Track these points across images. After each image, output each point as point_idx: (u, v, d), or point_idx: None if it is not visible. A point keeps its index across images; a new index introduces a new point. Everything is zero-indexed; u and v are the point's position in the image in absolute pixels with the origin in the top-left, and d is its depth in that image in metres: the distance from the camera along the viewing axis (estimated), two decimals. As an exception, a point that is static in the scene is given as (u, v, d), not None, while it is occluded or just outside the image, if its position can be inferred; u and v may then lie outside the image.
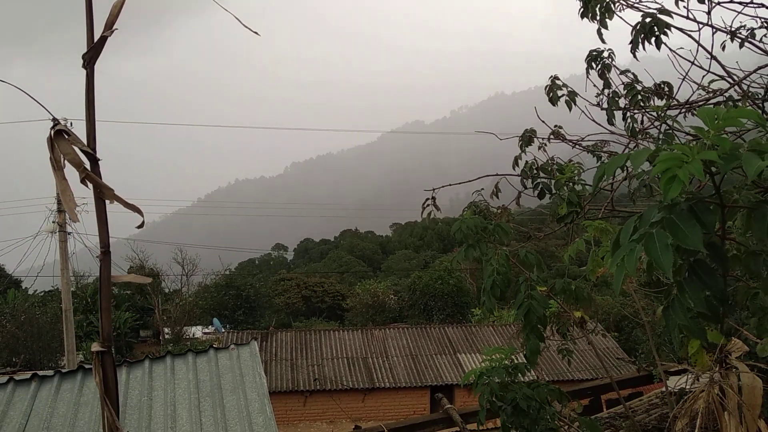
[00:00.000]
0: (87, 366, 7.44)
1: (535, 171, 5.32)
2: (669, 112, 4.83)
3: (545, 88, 5.48)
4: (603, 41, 5.24)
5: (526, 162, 5.38)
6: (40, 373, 7.27)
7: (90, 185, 2.42)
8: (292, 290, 55.90)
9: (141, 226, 2.62)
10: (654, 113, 4.85)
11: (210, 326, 46.11)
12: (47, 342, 36.24)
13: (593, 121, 5.52)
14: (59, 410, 6.54)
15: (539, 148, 5.66)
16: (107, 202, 2.44)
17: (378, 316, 47.39)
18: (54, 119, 2.29)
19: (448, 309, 45.25)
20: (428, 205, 5.11)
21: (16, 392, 6.82)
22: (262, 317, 48.85)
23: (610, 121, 5.00)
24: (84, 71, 2.34)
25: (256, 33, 2.25)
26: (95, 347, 2.44)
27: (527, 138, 5.60)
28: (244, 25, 2.27)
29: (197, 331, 45.98)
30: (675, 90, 5.15)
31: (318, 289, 57.28)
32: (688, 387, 7.97)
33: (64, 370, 7.37)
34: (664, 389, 8.68)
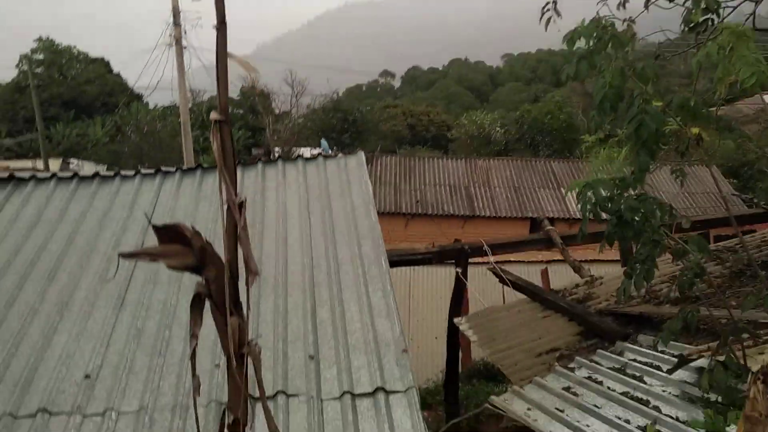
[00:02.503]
0: (205, 166, 7.90)
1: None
2: None
3: None
4: None
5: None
6: (164, 168, 7.79)
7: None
8: (398, 118, 56.00)
9: None
10: None
11: (318, 147, 47.49)
12: (168, 154, 38.63)
13: None
14: (181, 202, 7.05)
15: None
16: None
17: (483, 149, 47.01)
18: None
19: (555, 145, 44.22)
20: (548, 10, 4.77)
21: (143, 184, 7.38)
22: (368, 142, 49.63)
23: None
24: None
25: None
26: (213, 116, 2.52)
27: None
28: None
29: (306, 152, 47.60)
30: None
31: (424, 118, 57.06)
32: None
33: (184, 168, 7.86)
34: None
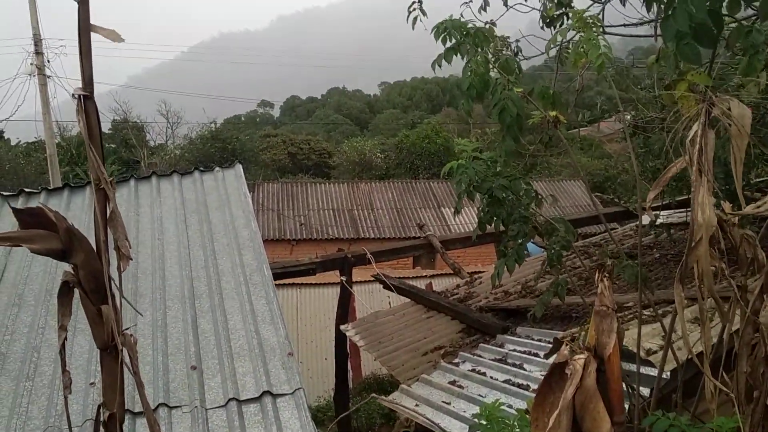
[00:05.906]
0: (72, 185, 7.52)
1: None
2: None
3: None
4: None
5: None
6: (27, 189, 7.36)
7: None
8: (279, 147, 55.64)
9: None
10: None
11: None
12: (34, 192, 36.27)
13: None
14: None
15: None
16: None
17: (365, 174, 47.54)
18: None
19: (434, 168, 45.40)
20: (414, 10, 4.97)
21: (3, 206, 6.92)
22: (248, 172, 48.97)
23: None
24: None
25: None
26: (77, 90, 2.43)
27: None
28: None
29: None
30: None
31: (304, 146, 57.04)
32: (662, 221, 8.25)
33: (50, 188, 7.46)
34: (637, 222, 8.99)
